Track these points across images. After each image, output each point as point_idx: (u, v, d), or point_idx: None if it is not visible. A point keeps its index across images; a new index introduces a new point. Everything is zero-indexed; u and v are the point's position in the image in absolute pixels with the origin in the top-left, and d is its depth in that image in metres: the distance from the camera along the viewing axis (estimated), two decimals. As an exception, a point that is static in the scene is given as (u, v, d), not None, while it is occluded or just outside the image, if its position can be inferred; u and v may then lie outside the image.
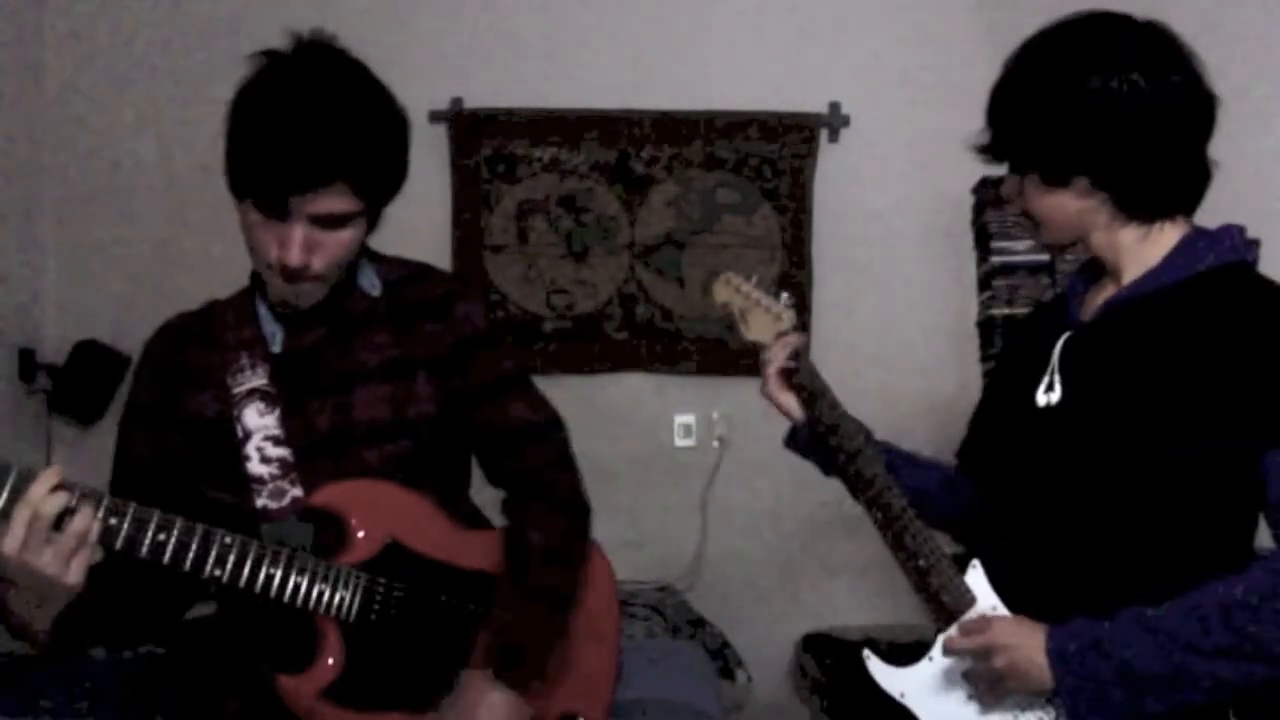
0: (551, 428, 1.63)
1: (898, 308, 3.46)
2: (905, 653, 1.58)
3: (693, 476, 3.45)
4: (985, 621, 1.47)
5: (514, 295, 3.47)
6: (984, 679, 1.47)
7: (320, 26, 1.43)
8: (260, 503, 1.45)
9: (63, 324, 3.39)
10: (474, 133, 3.44)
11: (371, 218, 1.46)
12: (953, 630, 1.52)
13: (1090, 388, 1.49)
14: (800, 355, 1.71)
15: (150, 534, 1.30)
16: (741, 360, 3.42)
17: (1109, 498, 1.44)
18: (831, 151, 3.49)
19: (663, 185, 3.48)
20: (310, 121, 1.33)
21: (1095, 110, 1.42)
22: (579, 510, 1.63)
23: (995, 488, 1.62)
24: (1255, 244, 1.50)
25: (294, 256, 1.37)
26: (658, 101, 3.45)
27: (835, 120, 3.47)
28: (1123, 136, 1.43)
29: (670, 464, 3.45)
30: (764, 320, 1.80)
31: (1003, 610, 1.51)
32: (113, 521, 1.28)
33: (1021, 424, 1.57)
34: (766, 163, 3.48)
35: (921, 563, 1.56)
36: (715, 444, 3.45)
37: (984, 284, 3.27)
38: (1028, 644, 1.40)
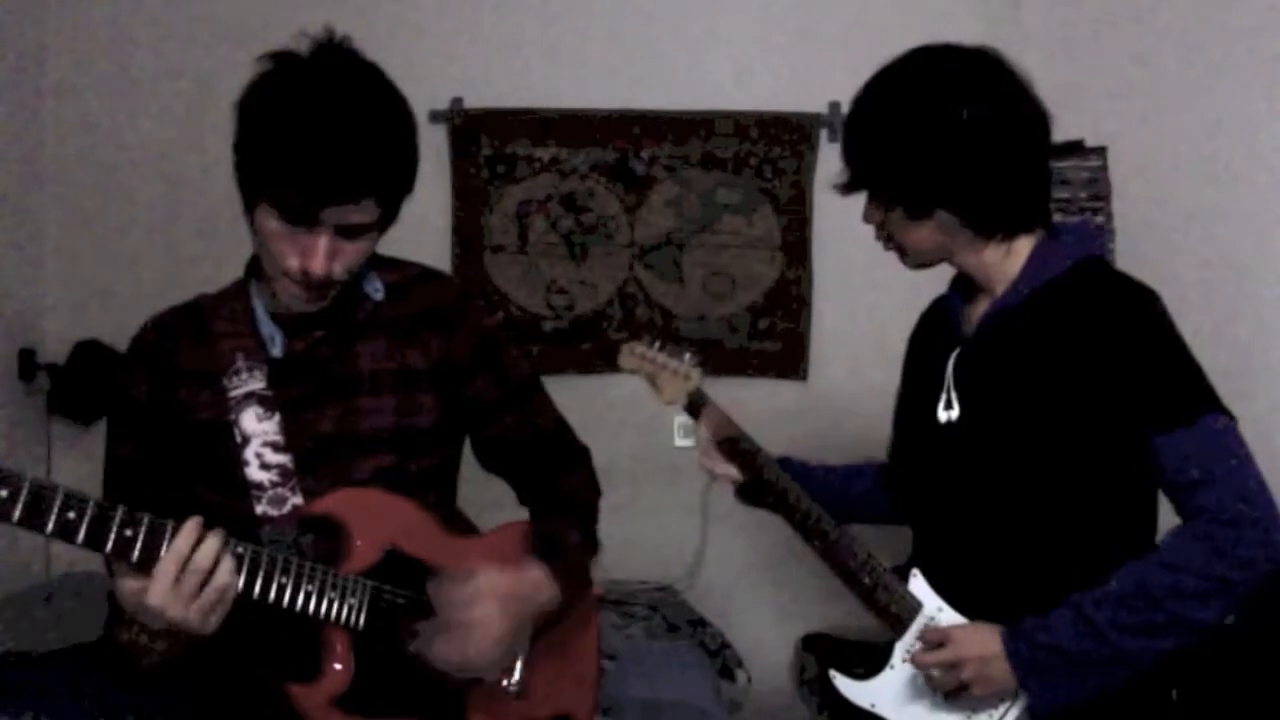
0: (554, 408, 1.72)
1: (897, 308, 3.43)
2: (863, 660, 1.70)
3: (693, 476, 3.39)
4: (943, 634, 1.57)
5: (514, 295, 3.47)
6: (949, 683, 1.56)
7: (330, 26, 1.40)
8: (260, 509, 1.43)
9: (63, 324, 3.38)
10: (474, 133, 3.44)
11: (386, 225, 1.46)
12: (910, 639, 1.64)
13: (983, 401, 1.59)
14: (723, 430, 1.88)
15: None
16: (741, 360, 3.45)
17: (1020, 501, 1.54)
18: (832, 151, 3.47)
19: (663, 185, 3.48)
20: (345, 135, 1.31)
21: (953, 141, 1.50)
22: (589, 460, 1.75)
23: (916, 500, 1.73)
24: (1101, 232, 1.58)
25: (320, 266, 1.36)
26: (658, 101, 3.45)
27: (835, 120, 3.46)
28: (977, 163, 1.51)
29: (670, 464, 3.44)
30: (673, 382, 1.94)
31: (948, 611, 1.62)
32: (128, 533, 1.24)
33: (928, 440, 1.67)
34: (766, 163, 3.48)
35: (866, 580, 1.69)
36: (715, 444, 3.44)
37: (984, 284, 3.28)
38: (987, 652, 1.51)
